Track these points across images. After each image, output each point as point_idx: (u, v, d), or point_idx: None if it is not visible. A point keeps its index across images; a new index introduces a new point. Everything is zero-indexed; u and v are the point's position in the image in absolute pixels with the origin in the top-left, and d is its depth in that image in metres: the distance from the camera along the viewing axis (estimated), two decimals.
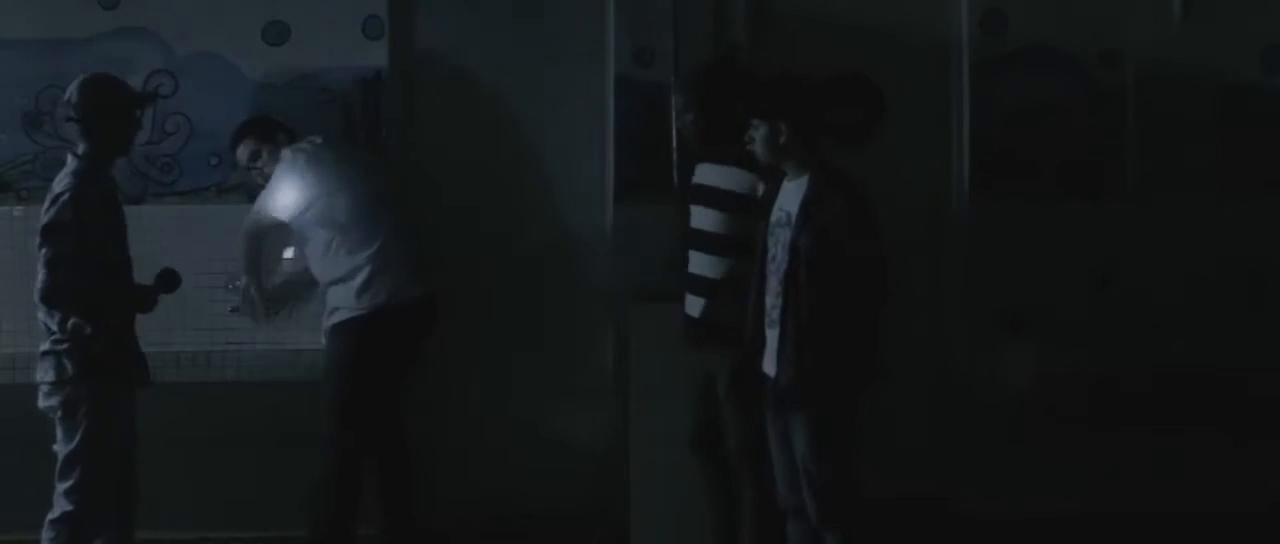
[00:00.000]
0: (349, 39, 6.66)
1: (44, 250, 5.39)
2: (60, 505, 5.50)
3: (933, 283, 6.97)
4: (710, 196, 5.80)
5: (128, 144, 5.65)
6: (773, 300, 5.36)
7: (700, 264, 5.81)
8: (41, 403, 5.53)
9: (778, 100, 5.37)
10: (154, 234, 6.62)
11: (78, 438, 5.45)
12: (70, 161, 5.50)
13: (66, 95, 5.52)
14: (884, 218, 5.37)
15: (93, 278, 5.40)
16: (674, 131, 6.50)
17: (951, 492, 6.98)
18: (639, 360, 6.41)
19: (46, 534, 5.54)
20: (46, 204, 5.43)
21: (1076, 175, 6.94)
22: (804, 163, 5.36)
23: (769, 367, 5.37)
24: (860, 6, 6.94)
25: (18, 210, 6.70)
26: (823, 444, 5.32)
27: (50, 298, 5.38)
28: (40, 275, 5.39)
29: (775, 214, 5.42)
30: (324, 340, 6.35)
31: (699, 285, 5.81)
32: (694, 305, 5.83)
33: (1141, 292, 6.92)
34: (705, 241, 5.79)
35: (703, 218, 5.81)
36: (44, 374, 5.50)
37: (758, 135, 5.39)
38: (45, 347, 5.49)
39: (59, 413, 5.48)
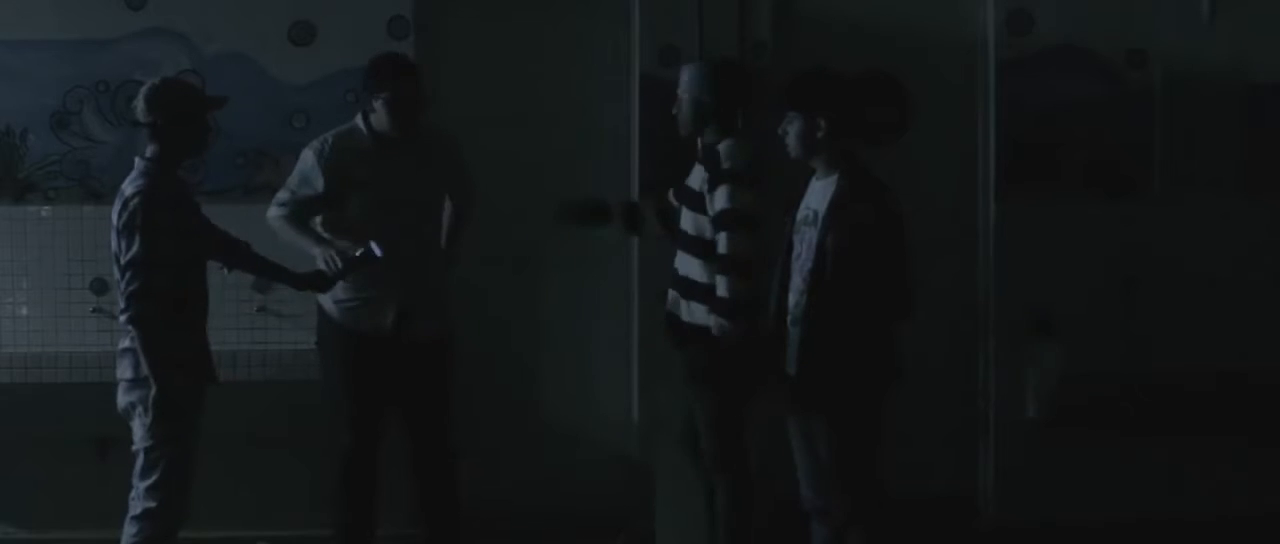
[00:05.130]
0: (375, 39, 6.66)
1: (131, 252, 5.44)
2: (141, 502, 5.58)
3: (959, 283, 6.95)
4: (683, 195, 5.98)
5: (199, 147, 5.72)
6: (796, 298, 5.36)
7: (678, 261, 5.97)
8: (120, 400, 5.61)
9: (818, 94, 5.36)
10: None
11: (158, 435, 5.52)
12: (138, 164, 5.57)
13: (135, 101, 5.59)
14: (910, 218, 5.38)
15: (168, 277, 5.48)
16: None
17: (977, 493, 6.97)
18: (663, 359, 6.41)
19: (128, 531, 5.60)
20: (118, 207, 5.49)
21: (1103, 175, 6.90)
22: (834, 162, 5.36)
23: (790, 365, 5.36)
24: (885, 6, 6.93)
25: (45, 211, 6.74)
26: (846, 444, 5.31)
27: (136, 298, 5.43)
28: (127, 276, 5.45)
29: (802, 212, 5.42)
30: (435, 328, 6.20)
31: (674, 282, 5.98)
32: (671, 301, 5.99)
33: (1169, 292, 6.88)
34: (681, 240, 5.96)
35: (681, 217, 5.98)
36: (122, 371, 5.58)
37: (791, 129, 5.38)
38: (124, 344, 5.57)
39: (138, 409, 5.55)
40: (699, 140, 6.01)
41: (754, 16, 6.80)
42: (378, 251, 5.82)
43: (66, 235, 6.74)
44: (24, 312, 6.75)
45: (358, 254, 5.86)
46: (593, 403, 7.05)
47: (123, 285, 5.46)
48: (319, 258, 5.99)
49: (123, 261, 5.46)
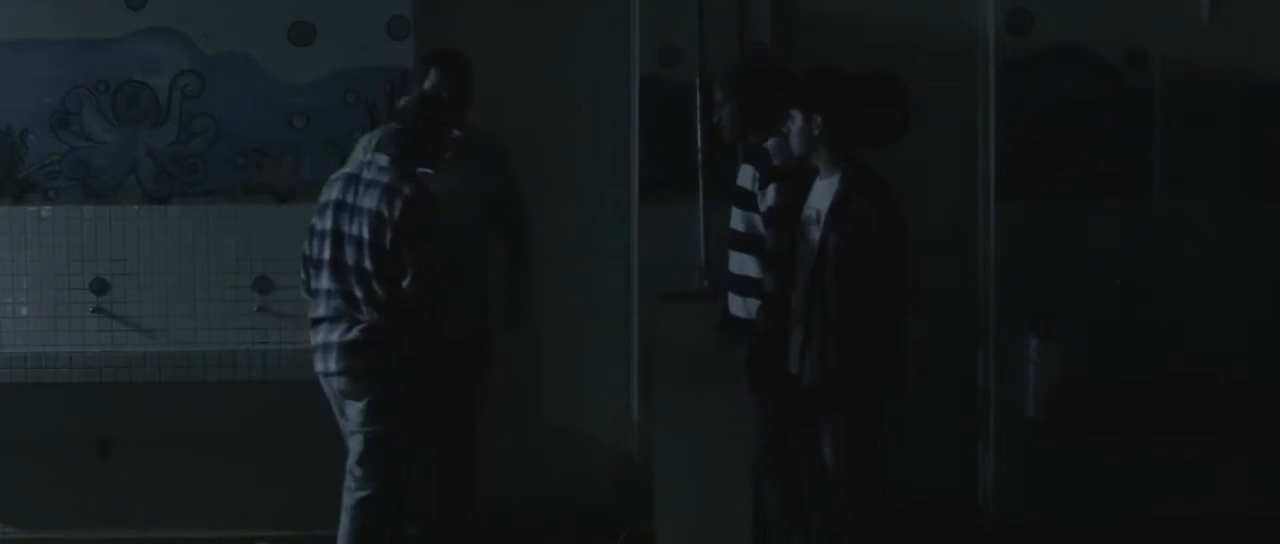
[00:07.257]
0: (374, 39, 6.67)
1: (422, 254, 5.65)
2: (365, 487, 5.74)
3: (959, 283, 6.95)
4: (734, 195, 5.91)
5: (435, 154, 5.85)
6: (799, 298, 5.36)
7: (732, 261, 5.90)
8: (349, 388, 5.72)
9: (816, 92, 5.37)
10: (180, 233, 6.68)
11: (388, 423, 5.71)
12: (386, 161, 5.70)
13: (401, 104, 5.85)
14: (910, 218, 5.38)
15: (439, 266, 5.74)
16: (698, 130, 6.50)
17: (978, 493, 6.97)
18: (664, 360, 6.41)
19: (360, 514, 5.75)
20: (396, 203, 5.61)
21: (1103, 175, 6.90)
22: (835, 160, 5.37)
23: (793, 365, 5.36)
24: (886, 6, 6.93)
25: (45, 211, 6.73)
26: (848, 444, 5.31)
27: (424, 292, 5.66)
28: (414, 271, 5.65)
29: (806, 212, 5.43)
30: (471, 327, 6.22)
31: (730, 282, 5.90)
32: (731, 303, 5.89)
33: (1169, 293, 6.88)
34: (733, 239, 5.90)
35: (732, 217, 5.91)
36: (354, 361, 5.68)
37: (793, 127, 5.41)
38: (353, 335, 5.68)
39: (368, 398, 5.69)
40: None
41: (754, 16, 6.80)
42: None
43: (66, 235, 6.73)
44: (24, 312, 6.75)
45: None
46: (593, 403, 7.05)
47: (416, 282, 5.62)
48: None
49: (409, 255, 5.61)
